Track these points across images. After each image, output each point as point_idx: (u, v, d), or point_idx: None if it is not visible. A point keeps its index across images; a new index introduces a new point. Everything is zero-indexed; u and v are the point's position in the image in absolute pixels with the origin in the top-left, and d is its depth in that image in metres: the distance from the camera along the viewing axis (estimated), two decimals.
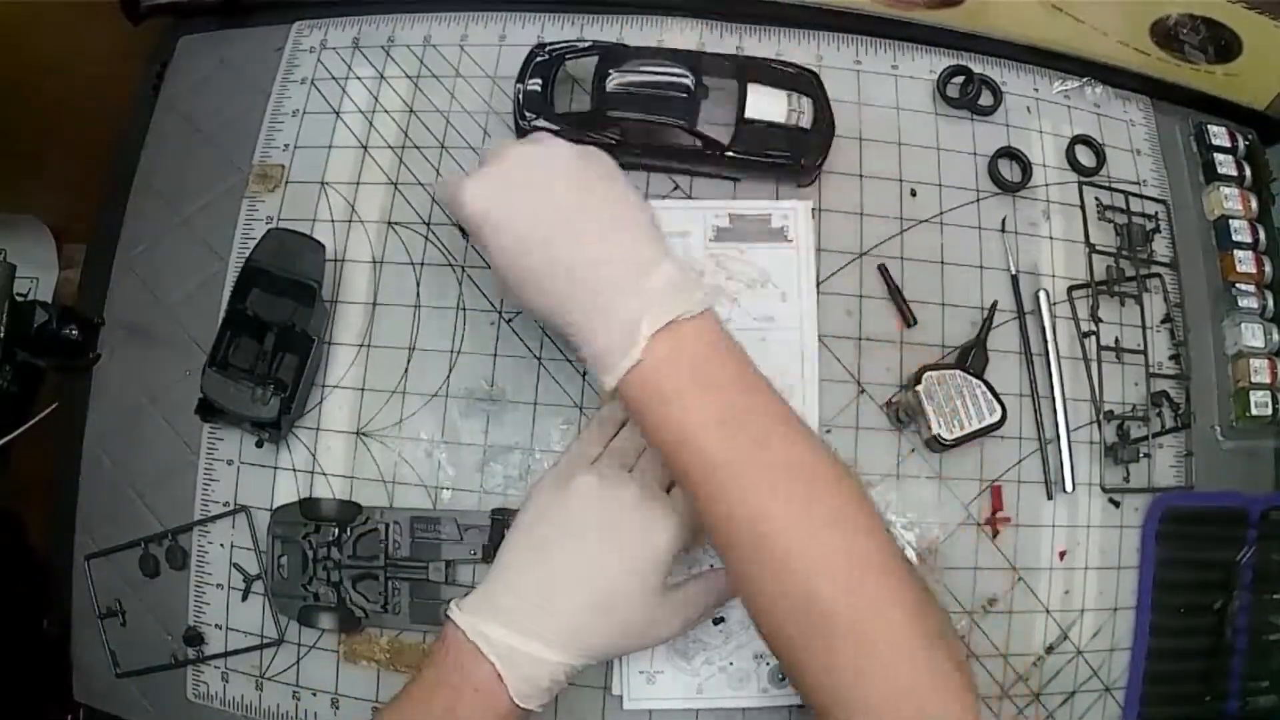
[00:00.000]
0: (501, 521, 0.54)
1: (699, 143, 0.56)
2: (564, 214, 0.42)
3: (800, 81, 0.59)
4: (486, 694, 0.42)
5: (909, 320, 0.58)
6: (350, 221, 0.60)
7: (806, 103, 0.58)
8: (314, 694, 0.55)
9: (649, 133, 0.57)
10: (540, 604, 0.43)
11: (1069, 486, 0.56)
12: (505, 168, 0.44)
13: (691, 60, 0.57)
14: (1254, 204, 0.62)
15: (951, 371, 0.55)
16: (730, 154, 0.56)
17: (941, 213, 0.60)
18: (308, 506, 0.55)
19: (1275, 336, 0.60)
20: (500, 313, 0.58)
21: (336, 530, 0.55)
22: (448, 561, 0.54)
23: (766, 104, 0.57)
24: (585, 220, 0.43)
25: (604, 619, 0.44)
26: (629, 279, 0.41)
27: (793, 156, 0.57)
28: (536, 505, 0.47)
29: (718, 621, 0.53)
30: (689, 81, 0.56)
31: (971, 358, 0.56)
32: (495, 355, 0.57)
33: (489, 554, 0.54)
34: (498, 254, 0.43)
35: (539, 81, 0.58)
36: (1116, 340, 0.59)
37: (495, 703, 0.42)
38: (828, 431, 0.56)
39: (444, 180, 0.45)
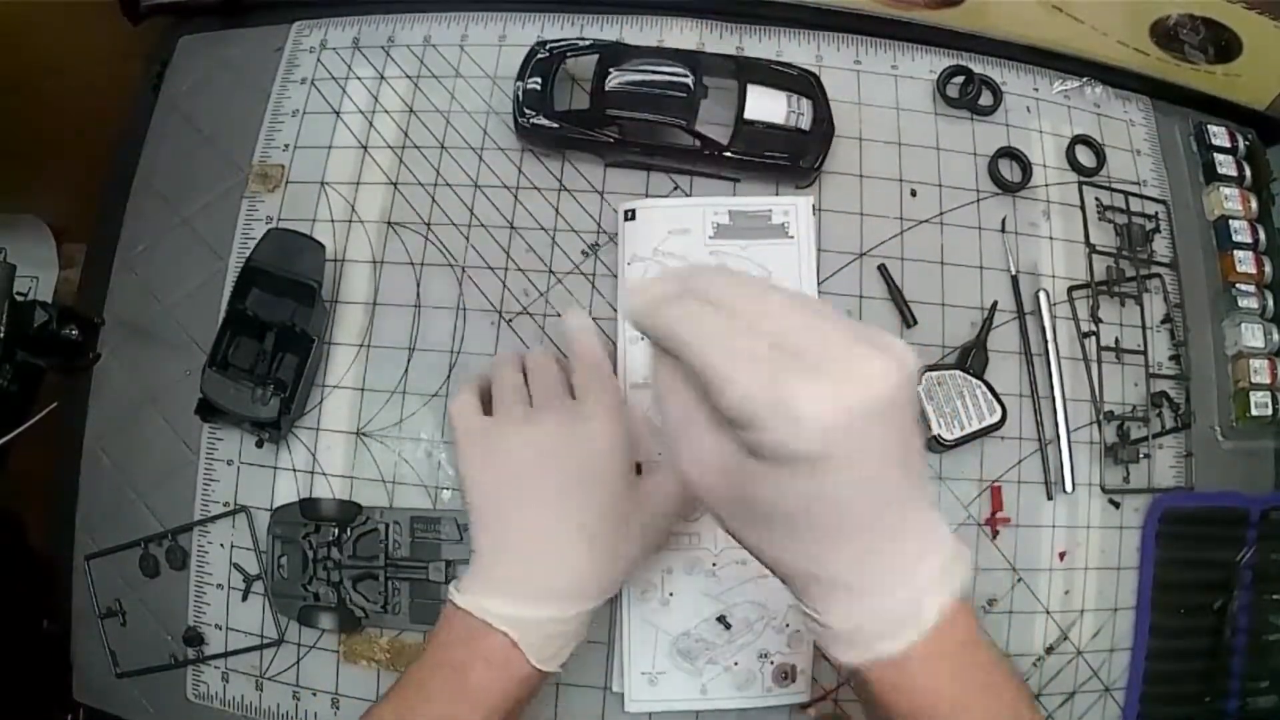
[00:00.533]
0: None
1: (697, 142, 0.56)
2: (892, 454, 0.31)
3: (800, 83, 0.59)
4: (501, 663, 0.41)
5: (909, 320, 0.58)
6: (350, 221, 0.60)
7: (806, 104, 0.58)
8: (314, 694, 0.55)
9: (648, 132, 0.57)
10: (532, 565, 0.43)
11: (1069, 487, 0.56)
12: (874, 392, 0.30)
13: (691, 60, 0.57)
14: (1254, 204, 0.62)
15: (951, 372, 0.55)
16: (729, 154, 0.56)
17: (941, 213, 0.60)
18: (307, 506, 0.55)
19: (1275, 336, 0.60)
20: (500, 313, 0.58)
21: (336, 530, 0.55)
22: (448, 561, 0.54)
23: (766, 105, 0.57)
24: (899, 463, 0.32)
25: (595, 551, 0.43)
26: (918, 540, 0.33)
27: (791, 158, 0.57)
28: (475, 482, 0.45)
29: (724, 621, 0.53)
30: (689, 81, 0.56)
31: (971, 358, 0.56)
32: (495, 355, 0.57)
33: None
34: (784, 480, 0.31)
35: (539, 80, 0.58)
36: (1116, 340, 0.59)
37: (512, 670, 0.41)
38: None
39: (773, 382, 0.29)
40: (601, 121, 0.56)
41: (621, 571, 0.45)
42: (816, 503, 0.31)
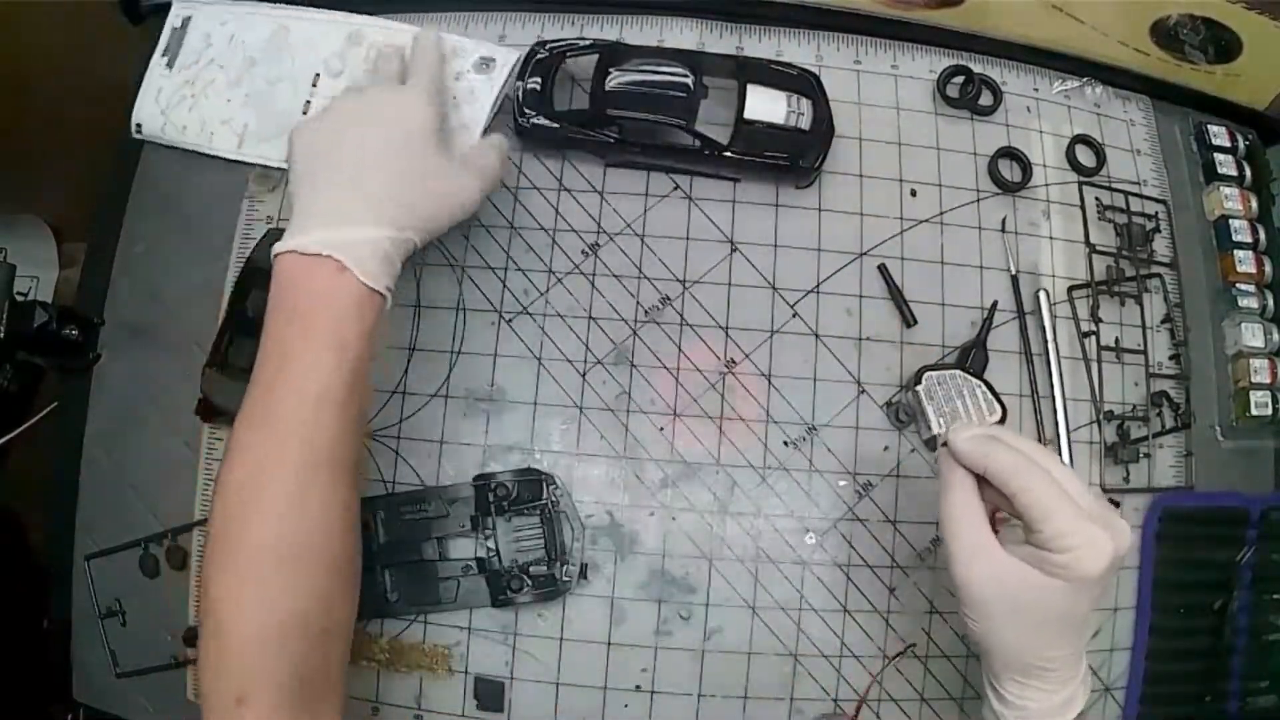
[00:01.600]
0: (484, 488, 0.54)
1: (697, 142, 0.56)
2: None
3: (800, 83, 0.59)
4: (332, 289, 0.44)
5: (909, 320, 0.58)
6: None
7: (806, 104, 0.58)
8: None
9: (648, 132, 0.57)
10: (341, 203, 0.46)
11: None
12: (1124, 548, 0.42)
13: (691, 60, 0.57)
14: (1254, 204, 0.63)
15: (951, 371, 0.55)
16: (729, 154, 0.56)
17: (941, 213, 0.60)
18: None
19: (1275, 336, 0.60)
20: (500, 313, 0.58)
21: None
22: (439, 538, 0.54)
23: (766, 105, 0.57)
24: None
25: (396, 192, 0.47)
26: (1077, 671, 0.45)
27: (791, 158, 0.57)
28: (303, 147, 0.49)
29: None
30: (689, 81, 0.56)
31: (971, 358, 0.56)
32: (495, 355, 0.57)
33: (478, 524, 0.54)
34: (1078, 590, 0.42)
35: (539, 80, 0.58)
36: (1116, 340, 0.59)
37: (345, 291, 0.44)
38: (814, 428, 0.56)
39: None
40: (602, 121, 0.56)
41: (423, 210, 0.48)
42: (1076, 612, 0.42)
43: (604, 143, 0.57)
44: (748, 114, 0.57)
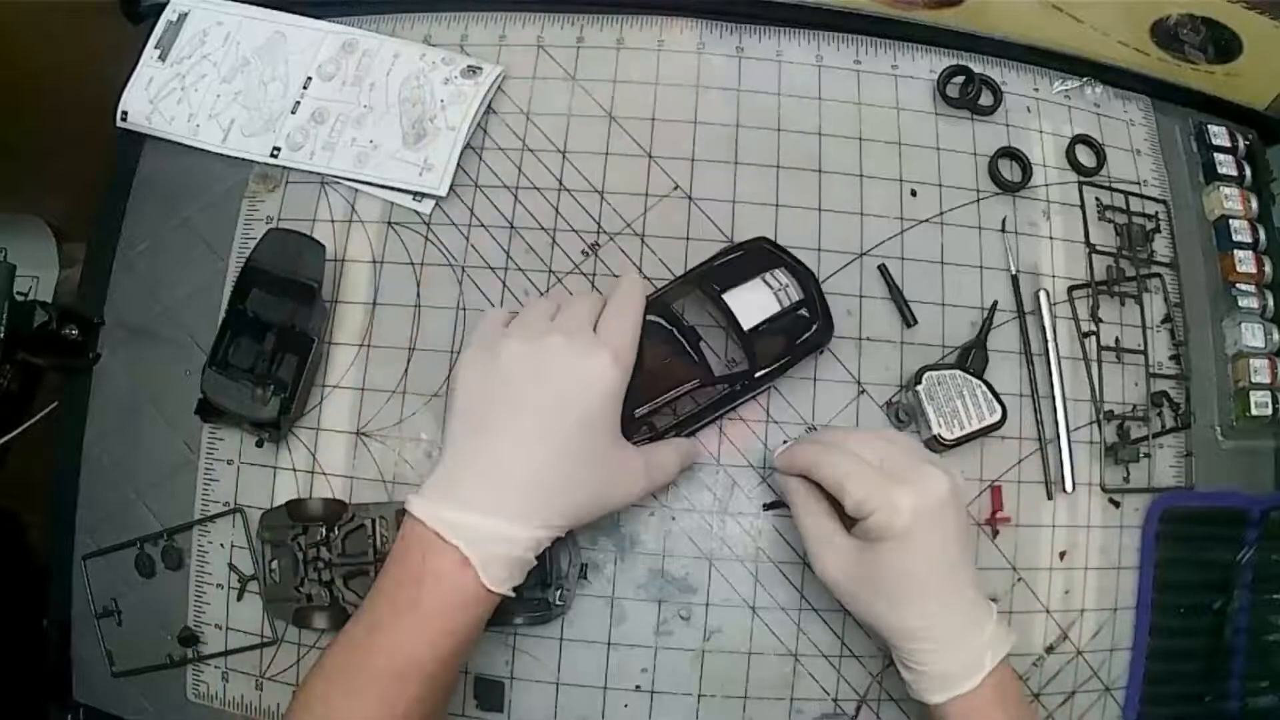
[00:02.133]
0: None
1: (727, 387, 0.52)
2: (950, 538, 0.46)
3: (759, 258, 0.54)
4: (451, 580, 0.42)
5: (909, 320, 0.58)
6: (350, 221, 0.60)
7: (780, 273, 0.54)
8: None
9: (679, 411, 0.53)
10: (493, 480, 0.43)
11: (1069, 486, 0.56)
12: (937, 494, 0.45)
13: (659, 309, 0.52)
14: (1254, 204, 0.63)
15: (951, 371, 0.55)
16: (761, 374, 0.52)
17: (941, 213, 0.60)
18: (295, 508, 0.55)
19: (1275, 336, 0.60)
20: None
21: (325, 529, 0.55)
22: None
23: (754, 304, 0.53)
24: (956, 544, 0.46)
25: (559, 482, 0.44)
26: (975, 610, 0.46)
27: (811, 332, 0.53)
28: (466, 386, 0.46)
29: None
30: (673, 331, 0.52)
31: (971, 358, 0.56)
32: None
33: None
34: (912, 553, 0.45)
35: None
36: (1116, 340, 0.59)
37: (463, 587, 0.42)
38: (813, 428, 0.56)
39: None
40: (634, 429, 0.51)
41: (582, 508, 0.46)
42: (908, 568, 0.45)
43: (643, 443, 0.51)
44: (746, 325, 0.52)
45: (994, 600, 0.50)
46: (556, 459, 0.44)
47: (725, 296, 0.53)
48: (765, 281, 0.53)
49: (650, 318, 0.51)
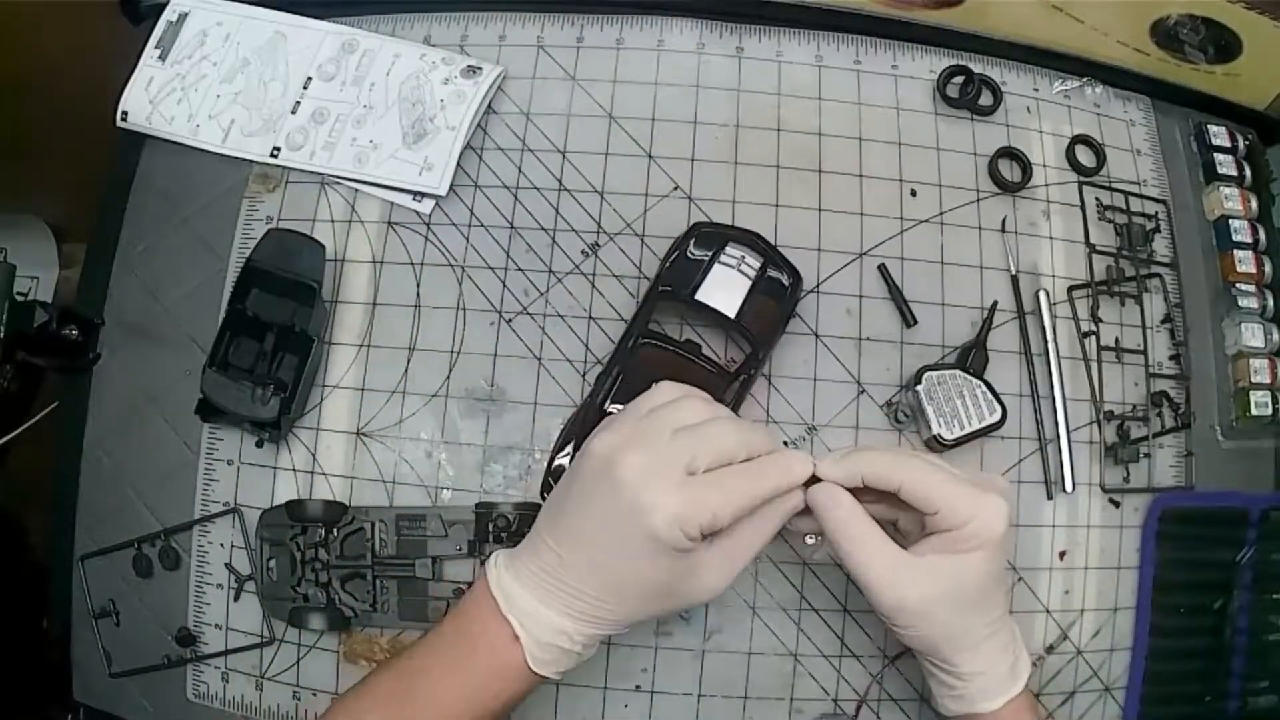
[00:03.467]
0: (485, 516, 0.54)
1: (747, 373, 0.54)
2: (1007, 554, 0.48)
3: (703, 242, 0.55)
4: (501, 653, 0.43)
5: (909, 320, 0.58)
6: (350, 221, 0.60)
7: (731, 248, 0.55)
8: (314, 694, 0.55)
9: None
10: (554, 571, 0.43)
11: (1069, 486, 0.56)
12: (1008, 510, 0.45)
13: (649, 338, 0.54)
14: (1254, 204, 0.62)
15: (951, 371, 0.55)
16: (764, 354, 0.54)
17: (941, 213, 0.60)
18: (294, 508, 0.55)
19: (1275, 336, 0.60)
20: (500, 313, 0.58)
21: (323, 531, 0.55)
22: (434, 558, 0.54)
23: (726, 288, 0.54)
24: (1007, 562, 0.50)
25: (613, 591, 0.42)
26: (1011, 632, 0.48)
27: (788, 285, 0.55)
28: (587, 452, 0.44)
29: None
30: (674, 352, 0.54)
31: (971, 358, 0.56)
32: (495, 355, 0.57)
33: (474, 549, 0.54)
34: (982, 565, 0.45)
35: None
36: (1116, 340, 0.59)
37: (509, 663, 0.43)
38: (813, 428, 0.56)
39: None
40: None
41: (643, 612, 0.44)
42: (996, 574, 0.45)
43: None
44: (731, 312, 0.53)
45: None
46: (606, 574, 0.42)
47: (698, 298, 0.54)
48: (723, 264, 0.54)
49: (645, 342, 0.53)
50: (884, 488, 0.44)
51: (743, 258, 0.55)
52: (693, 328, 0.57)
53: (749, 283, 0.54)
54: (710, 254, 0.55)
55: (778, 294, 0.55)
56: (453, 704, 0.43)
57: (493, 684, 0.43)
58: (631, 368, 0.54)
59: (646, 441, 0.42)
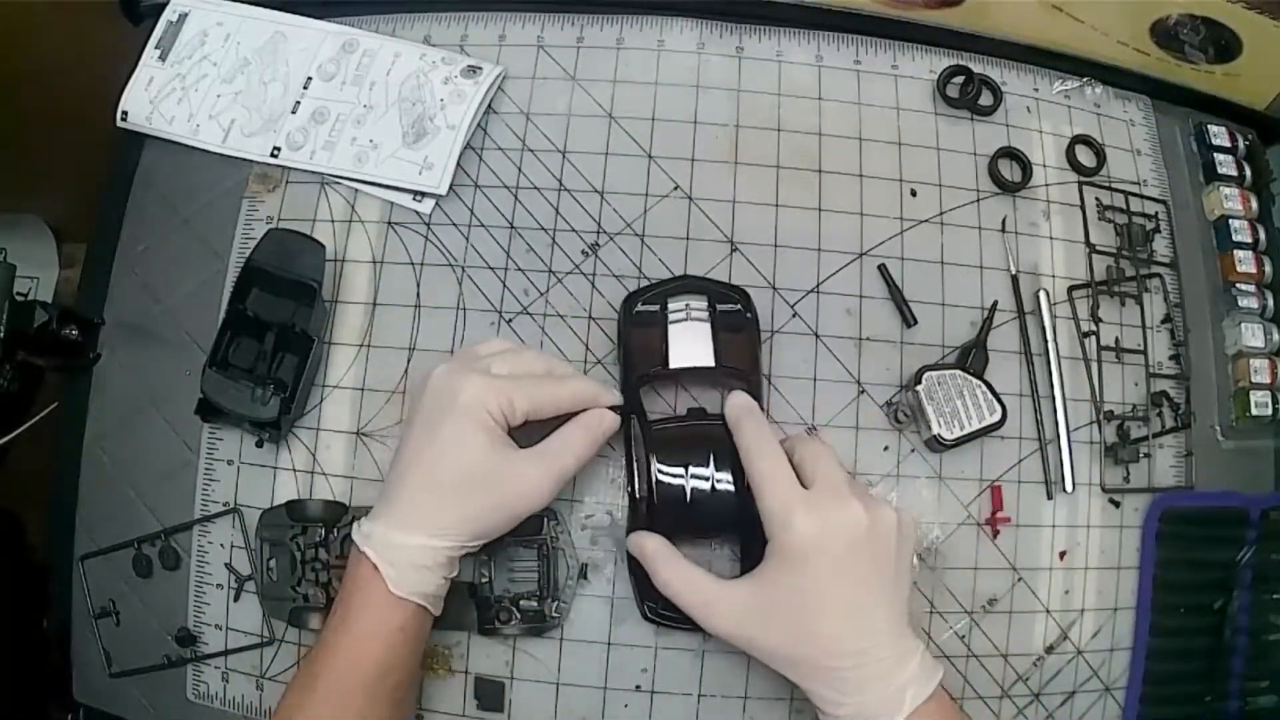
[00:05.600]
0: None
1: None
2: (861, 576, 0.45)
3: (661, 301, 0.55)
4: (366, 586, 0.45)
5: (909, 320, 0.58)
6: (350, 221, 0.60)
7: (673, 304, 0.54)
8: None
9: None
10: (392, 493, 0.47)
11: (1069, 486, 0.56)
12: (845, 528, 0.45)
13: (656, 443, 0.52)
14: (1254, 204, 0.62)
15: (951, 371, 0.55)
16: (748, 380, 0.54)
17: (941, 213, 0.60)
18: (294, 508, 0.55)
19: (1275, 336, 0.60)
20: (500, 313, 0.58)
21: (324, 531, 0.55)
22: None
23: (693, 344, 0.54)
24: (867, 583, 0.45)
25: (436, 487, 0.46)
26: (907, 644, 0.45)
27: (742, 309, 0.55)
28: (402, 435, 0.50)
29: None
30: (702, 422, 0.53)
31: (971, 358, 0.56)
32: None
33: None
34: (809, 582, 0.44)
35: None
36: (1116, 340, 0.59)
37: (375, 595, 0.45)
38: (814, 428, 0.56)
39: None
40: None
41: (477, 519, 0.47)
42: (801, 592, 0.44)
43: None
44: (709, 362, 0.53)
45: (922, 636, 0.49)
46: (433, 471, 0.46)
47: (674, 365, 0.53)
48: (674, 321, 0.54)
49: (657, 430, 0.52)
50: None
51: (687, 305, 0.54)
52: (687, 391, 0.56)
53: (708, 325, 0.54)
54: (658, 308, 0.54)
55: (739, 324, 0.54)
56: (349, 659, 0.45)
57: (370, 625, 0.45)
58: (657, 450, 0.52)
59: (459, 359, 0.50)
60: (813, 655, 0.44)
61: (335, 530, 0.55)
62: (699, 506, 0.50)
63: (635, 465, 0.52)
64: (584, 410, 0.50)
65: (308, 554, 0.55)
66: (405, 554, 0.45)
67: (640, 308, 0.55)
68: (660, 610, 0.52)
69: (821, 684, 0.44)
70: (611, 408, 0.51)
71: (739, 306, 0.55)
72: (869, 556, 0.45)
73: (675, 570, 0.48)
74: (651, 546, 0.49)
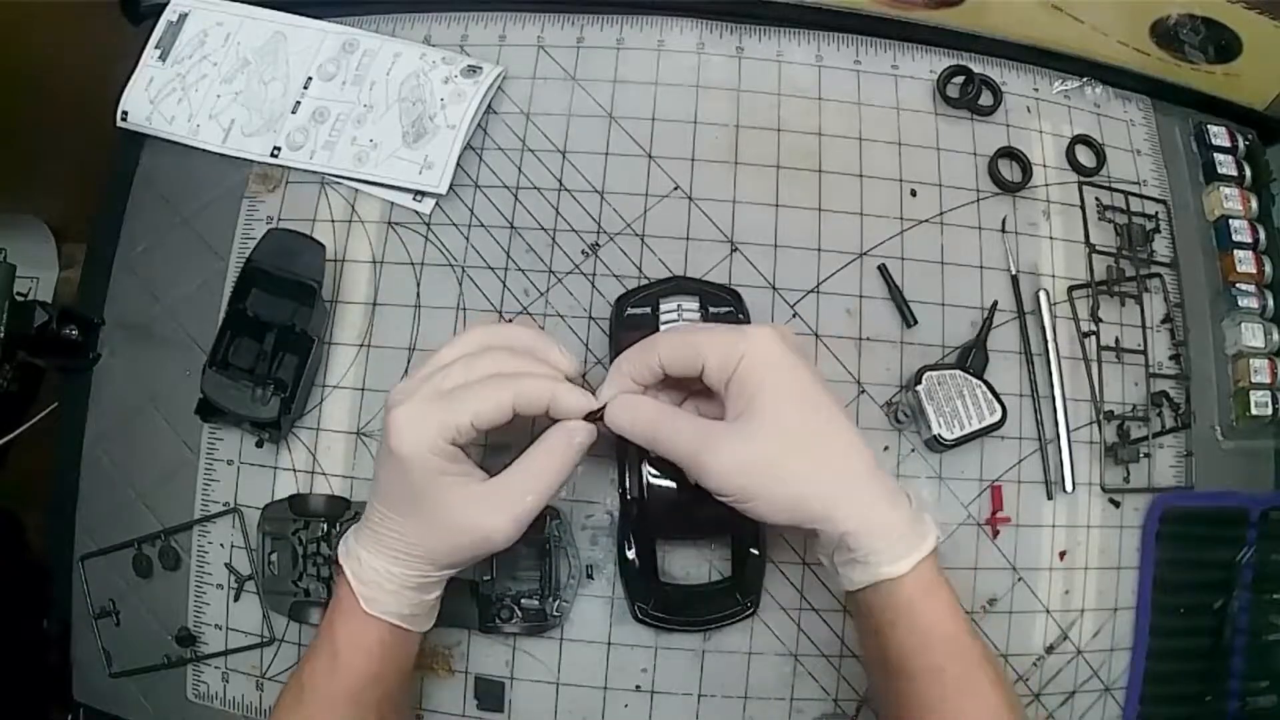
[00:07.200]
0: None
1: None
2: (802, 386, 0.43)
3: (646, 305, 0.55)
4: (345, 604, 0.45)
5: (909, 320, 0.58)
6: (350, 221, 0.60)
7: (665, 304, 0.54)
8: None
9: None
10: (367, 512, 0.46)
11: (1069, 486, 0.56)
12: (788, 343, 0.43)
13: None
14: (1254, 204, 0.63)
15: (951, 371, 0.55)
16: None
17: (941, 213, 0.60)
18: (296, 503, 0.55)
19: (1275, 336, 0.60)
20: (500, 313, 0.58)
21: (325, 525, 0.55)
22: None
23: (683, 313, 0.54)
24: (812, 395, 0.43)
25: (396, 514, 0.44)
26: (893, 484, 0.43)
27: (734, 308, 0.55)
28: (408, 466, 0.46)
29: None
30: None
31: (971, 358, 0.56)
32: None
33: None
34: (779, 419, 0.42)
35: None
36: (1116, 340, 0.59)
37: (353, 609, 0.45)
38: None
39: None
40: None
41: (439, 552, 0.44)
42: (805, 407, 0.42)
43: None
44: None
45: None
46: (388, 502, 0.44)
47: (661, 317, 0.53)
48: (670, 325, 0.53)
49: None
50: (650, 376, 0.44)
51: (679, 307, 0.54)
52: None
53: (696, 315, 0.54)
54: (649, 310, 0.54)
55: (738, 321, 0.54)
56: (332, 669, 0.44)
57: (350, 637, 0.44)
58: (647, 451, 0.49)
59: (414, 378, 0.44)
60: (831, 483, 0.41)
61: (337, 525, 0.55)
62: (689, 507, 0.50)
63: (626, 466, 0.52)
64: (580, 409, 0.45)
65: (309, 548, 0.55)
66: (374, 575, 0.44)
67: (631, 310, 0.55)
68: (651, 611, 0.52)
69: (837, 518, 0.41)
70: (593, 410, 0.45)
71: (731, 308, 0.55)
72: (806, 368, 0.43)
73: (670, 418, 0.44)
74: (645, 410, 0.44)
